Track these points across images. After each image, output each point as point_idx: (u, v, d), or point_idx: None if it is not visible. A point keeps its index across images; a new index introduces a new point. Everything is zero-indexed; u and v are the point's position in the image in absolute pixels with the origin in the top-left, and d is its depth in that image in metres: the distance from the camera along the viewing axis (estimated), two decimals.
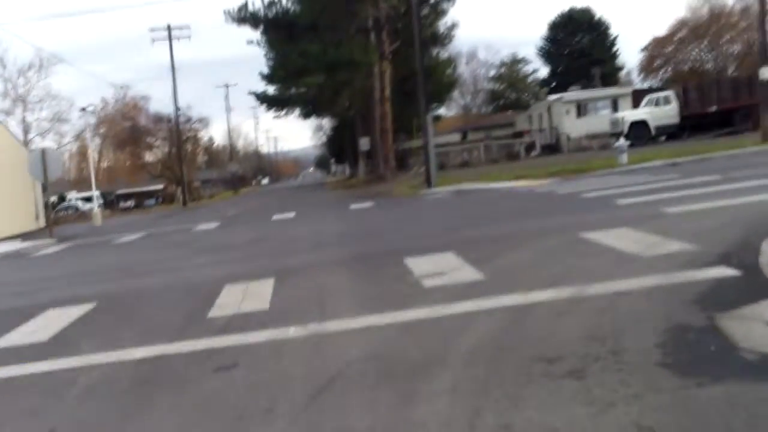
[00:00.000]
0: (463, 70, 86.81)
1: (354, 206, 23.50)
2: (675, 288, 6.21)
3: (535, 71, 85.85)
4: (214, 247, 15.43)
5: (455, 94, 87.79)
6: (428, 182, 29.61)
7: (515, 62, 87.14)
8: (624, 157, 24.13)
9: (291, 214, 23.54)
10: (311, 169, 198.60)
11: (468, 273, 8.09)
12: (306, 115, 67.89)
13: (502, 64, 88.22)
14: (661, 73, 76.73)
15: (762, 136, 24.02)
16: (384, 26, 44.75)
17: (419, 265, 8.95)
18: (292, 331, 6.33)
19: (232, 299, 8.24)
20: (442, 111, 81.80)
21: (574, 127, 47.15)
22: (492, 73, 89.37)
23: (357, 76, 46.98)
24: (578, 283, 6.80)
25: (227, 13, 46.49)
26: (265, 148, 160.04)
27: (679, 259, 7.38)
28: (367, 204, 23.98)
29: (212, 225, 23.41)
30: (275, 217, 23.13)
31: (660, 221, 10.21)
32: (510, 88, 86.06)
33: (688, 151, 24.75)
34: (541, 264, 8.20)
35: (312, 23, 44.43)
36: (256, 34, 52.58)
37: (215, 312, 7.65)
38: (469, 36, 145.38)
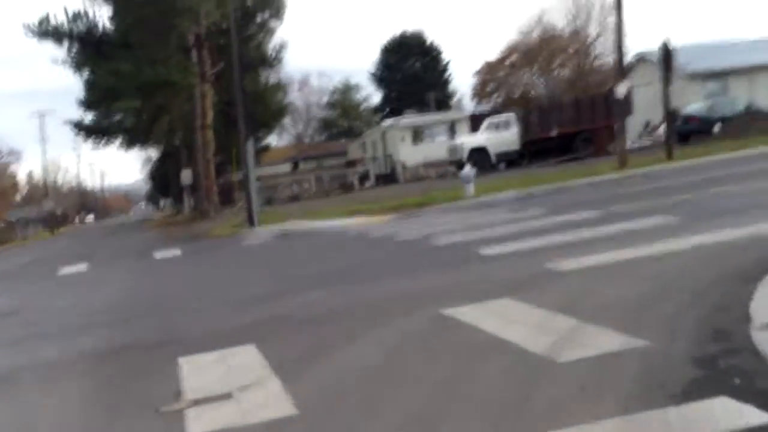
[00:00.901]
0: (295, 97, 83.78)
1: (159, 255, 19.28)
2: None
3: (367, 97, 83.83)
4: None
5: (287, 122, 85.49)
6: (250, 221, 25.65)
7: (348, 89, 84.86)
8: (470, 188, 21.21)
9: (83, 266, 19.11)
10: (143, 204, 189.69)
11: (271, 397, 4.74)
12: (128, 144, 62.08)
13: (335, 90, 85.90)
14: (494, 97, 76.48)
15: (619, 160, 21.73)
16: (204, 44, 40.99)
17: (198, 372, 5.62)
18: None
19: None
20: (273, 140, 79.10)
21: (410, 154, 44.55)
22: (325, 100, 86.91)
23: (175, 100, 42.76)
24: None
25: (27, 27, 40.55)
26: (90, 182, 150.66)
27: (632, 372, 4.27)
28: (175, 252, 19.76)
29: None
30: (63, 270, 18.60)
31: (554, 285, 7.08)
32: (343, 116, 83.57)
33: (540, 180, 22.18)
34: (387, 381, 4.78)
35: (124, 39, 39.98)
36: (62, 52, 46.65)
37: None
38: (302, 62, 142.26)
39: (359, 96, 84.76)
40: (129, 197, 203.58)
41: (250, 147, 26.10)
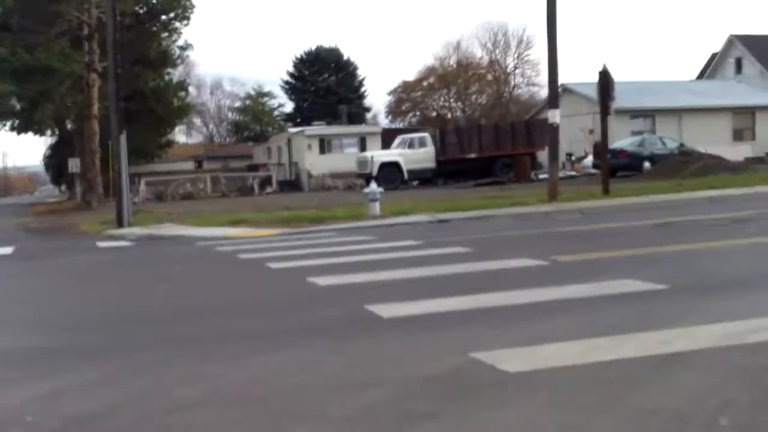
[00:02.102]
0: (207, 99, 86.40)
1: None
2: None
3: (281, 105, 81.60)
4: None
5: (198, 122, 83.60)
6: (119, 221, 21.91)
7: (261, 95, 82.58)
8: (376, 207, 17.97)
9: None
10: (50, 186, 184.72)
11: None
12: (20, 128, 58.66)
13: (248, 96, 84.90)
14: (409, 116, 74.79)
15: (549, 192, 18.75)
16: (95, 35, 38.07)
17: None
18: None
19: None
20: (182, 137, 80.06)
21: (316, 163, 42.01)
22: (237, 104, 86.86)
23: (56, 87, 39.85)
24: None
25: None
26: None
27: None
28: (4, 250, 15.93)
29: None
30: None
31: (492, 398, 3.70)
32: (255, 121, 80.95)
33: (455, 205, 19.09)
34: None
35: (4, 22, 37.85)
36: None
37: None
38: (216, 67, 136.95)
39: (272, 103, 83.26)
40: (35, 178, 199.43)
41: (122, 140, 22.31)
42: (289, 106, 78.98)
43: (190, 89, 73.16)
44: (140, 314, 7.43)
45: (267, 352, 5.40)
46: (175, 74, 55.76)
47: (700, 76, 53.99)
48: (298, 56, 75.21)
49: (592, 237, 11.92)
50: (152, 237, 18.07)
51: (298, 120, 69.41)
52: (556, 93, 20.59)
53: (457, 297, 7.00)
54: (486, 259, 9.53)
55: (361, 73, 76.25)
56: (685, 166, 25.94)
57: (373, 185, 18.56)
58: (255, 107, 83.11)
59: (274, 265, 10.26)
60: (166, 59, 47.06)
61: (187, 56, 50.32)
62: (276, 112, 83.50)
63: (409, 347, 5.31)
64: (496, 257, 9.62)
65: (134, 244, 16.81)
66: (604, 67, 20.22)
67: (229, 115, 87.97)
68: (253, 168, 49.76)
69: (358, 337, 5.74)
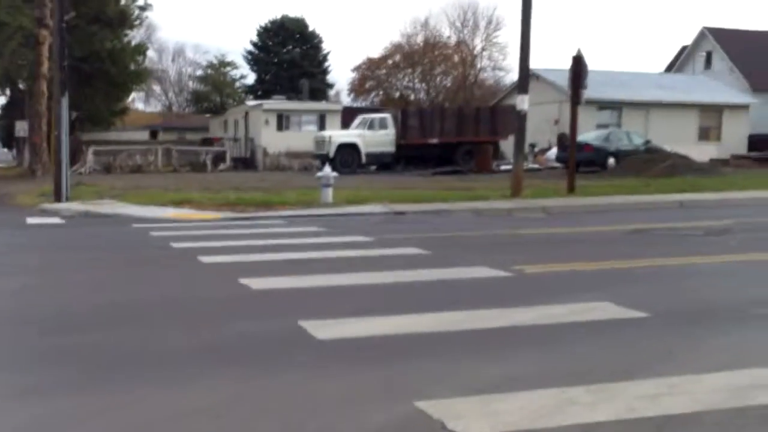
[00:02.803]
0: (169, 66, 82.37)
1: None
2: None
3: (243, 77, 79.15)
4: None
5: (157, 89, 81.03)
6: (56, 195, 20.48)
7: (222, 64, 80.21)
8: (328, 194, 16.88)
9: None
10: (4, 150, 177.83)
11: None
12: None
13: (209, 65, 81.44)
14: (372, 96, 73.31)
15: (513, 186, 17.70)
16: None
17: None
18: None
19: None
20: (140, 104, 77.90)
21: (273, 141, 40.23)
22: (198, 73, 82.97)
23: (5, 43, 38.16)
24: None
25: None
26: None
27: None
28: None
29: None
30: None
31: None
32: (215, 91, 78.65)
33: (413, 195, 18.07)
34: None
35: None
36: None
37: None
38: (179, 34, 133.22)
39: (234, 73, 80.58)
40: None
41: (64, 103, 20.81)
42: (251, 78, 76.59)
43: (151, 54, 71.08)
44: (29, 316, 6.30)
45: (165, 385, 4.35)
46: (136, 37, 53.68)
47: (669, 69, 53.40)
48: (263, 25, 72.80)
49: (559, 243, 10.98)
50: (88, 214, 16.93)
51: (259, 93, 67.61)
52: (527, 76, 18.85)
53: (405, 315, 6.01)
54: (442, 265, 8.52)
55: (326, 47, 74.20)
56: (651, 164, 25.11)
57: (327, 169, 17.43)
58: (216, 77, 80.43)
59: (206, 259, 9.18)
60: (125, 19, 45.10)
61: (146, 17, 48.41)
62: (237, 84, 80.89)
63: (341, 386, 4.32)
64: (454, 263, 8.62)
65: (66, 221, 15.59)
66: (579, 52, 18.98)
67: (190, 84, 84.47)
68: (207, 142, 47.62)
69: (283, 366, 4.74)
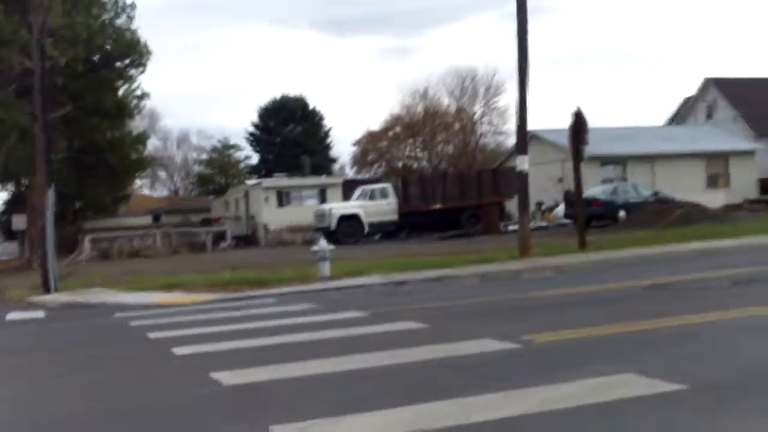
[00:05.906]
0: (174, 152, 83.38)
1: None
2: None
3: (248, 158, 79.38)
4: None
5: (164, 175, 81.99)
6: (45, 286, 19.60)
7: (226, 147, 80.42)
8: (326, 267, 15.92)
9: None
10: (6, 244, 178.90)
11: None
12: None
13: (213, 149, 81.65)
14: (375, 167, 73.10)
15: (521, 246, 16.78)
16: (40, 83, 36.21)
17: None
18: None
19: None
20: (146, 190, 77.86)
21: (274, 217, 40.05)
22: (204, 156, 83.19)
23: (2, 139, 37.62)
24: None
25: None
26: None
27: None
28: None
29: None
30: None
31: None
32: (220, 174, 78.83)
33: (415, 263, 17.11)
34: None
35: None
36: None
37: None
38: (182, 120, 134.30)
39: (239, 155, 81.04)
40: None
41: (49, 196, 20.07)
42: (255, 158, 77.09)
43: (156, 142, 71.62)
44: None
45: None
46: (139, 126, 53.78)
47: (670, 121, 52.95)
48: (263, 106, 73.04)
49: (573, 304, 9.93)
50: (73, 305, 16.01)
51: (263, 172, 67.58)
52: (525, 137, 18.55)
53: (399, 409, 4.99)
54: (441, 340, 7.51)
55: (327, 123, 74.37)
56: (663, 214, 24.27)
57: (323, 242, 16.52)
58: (220, 159, 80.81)
59: (180, 350, 8.18)
60: (123, 109, 44.58)
61: (144, 106, 47.51)
62: (242, 165, 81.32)
63: None
64: (454, 337, 7.60)
65: (47, 315, 14.64)
66: (578, 108, 18.47)
67: (195, 168, 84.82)
68: (207, 222, 47.68)
69: None
